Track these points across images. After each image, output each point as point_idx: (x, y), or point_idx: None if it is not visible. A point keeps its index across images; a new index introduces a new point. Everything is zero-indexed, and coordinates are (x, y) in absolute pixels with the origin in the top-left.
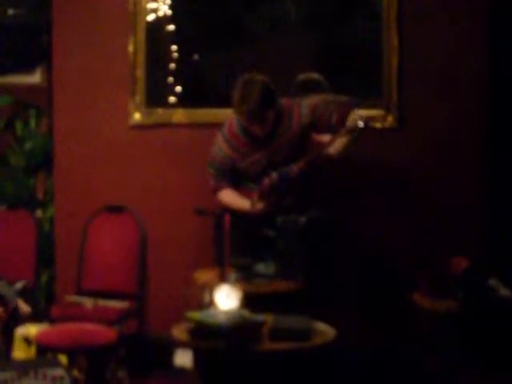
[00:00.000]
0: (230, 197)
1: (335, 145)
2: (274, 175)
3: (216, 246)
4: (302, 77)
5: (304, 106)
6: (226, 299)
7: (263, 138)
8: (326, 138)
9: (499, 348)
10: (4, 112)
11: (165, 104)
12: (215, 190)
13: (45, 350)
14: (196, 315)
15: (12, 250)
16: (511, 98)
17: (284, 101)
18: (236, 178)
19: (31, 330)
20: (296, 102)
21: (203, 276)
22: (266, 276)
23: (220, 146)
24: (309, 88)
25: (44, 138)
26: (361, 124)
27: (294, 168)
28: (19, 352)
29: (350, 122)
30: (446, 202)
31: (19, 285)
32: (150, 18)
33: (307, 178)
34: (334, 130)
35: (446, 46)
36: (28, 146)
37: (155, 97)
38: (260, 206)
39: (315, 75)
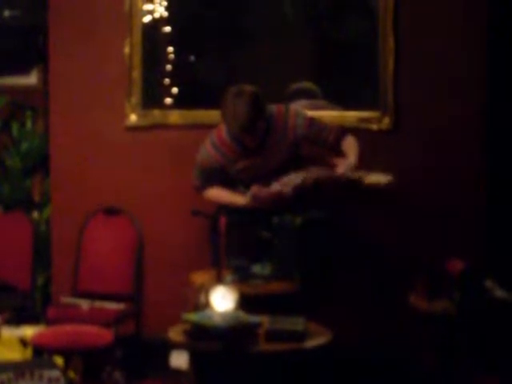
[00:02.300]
0: (218, 192)
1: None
2: (288, 190)
3: (212, 248)
4: (295, 86)
5: (300, 117)
6: (222, 300)
7: (254, 147)
8: (339, 163)
9: (495, 349)
10: (0, 113)
11: (161, 105)
12: (200, 189)
13: (41, 352)
14: (192, 316)
15: (8, 251)
16: (509, 100)
17: (275, 108)
18: (224, 180)
19: (27, 331)
20: (292, 111)
21: (199, 277)
22: (262, 277)
23: (208, 152)
24: (302, 97)
25: (40, 139)
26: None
27: (304, 181)
28: (15, 353)
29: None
30: (442, 204)
31: None
32: (146, 19)
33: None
34: (328, 147)
35: (443, 48)
36: (24, 147)
37: (151, 98)
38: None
39: (309, 84)
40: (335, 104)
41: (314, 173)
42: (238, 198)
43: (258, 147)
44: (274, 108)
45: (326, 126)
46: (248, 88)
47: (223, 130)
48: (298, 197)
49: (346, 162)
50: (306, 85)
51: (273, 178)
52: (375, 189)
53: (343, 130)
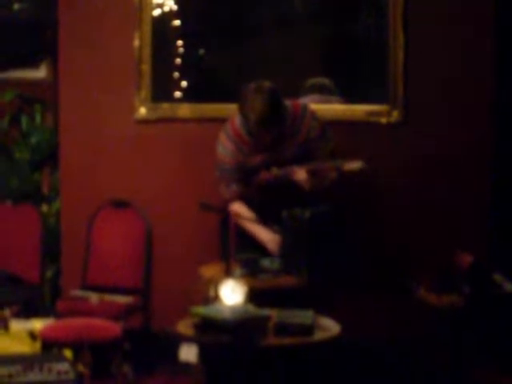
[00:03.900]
0: (239, 210)
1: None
2: (276, 171)
3: (221, 241)
4: (311, 81)
5: (316, 121)
6: (231, 294)
7: (269, 141)
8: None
9: (504, 343)
10: (10, 107)
11: (170, 99)
12: (228, 200)
13: (50, 345)
14: (201, 310)
15: (17, 244)
16: None
17: (292, 104)
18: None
19: (36, 324)
20: (309, 111)
21: (208, 271)
22: (271, 271)
23: (224, 145)
24: (316, 92)
25: (49, 132)
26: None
27: (297, 173)
28: (25, 346)
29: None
30: (450, 197)
31: None
32: (156, 12)
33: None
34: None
35: (452, 42)
36: (33, 140)
37: (161, 92)
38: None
39: (324, 80)
40: (347, 101)
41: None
42: (262, 233)
43: (272, 142)
44: (290, 104)
45: (329, 144)
46: (267, 84)
47: (236, 121)
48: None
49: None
50: (322, 80)
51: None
52: (353, 174)
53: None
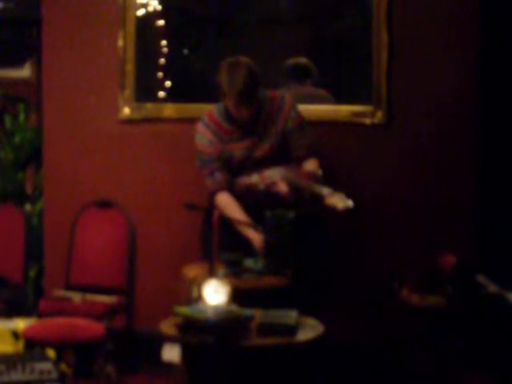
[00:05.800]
0: (226, 204)
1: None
2: (256, 179)
3: (205, 241)
4: (290, 62)
5: (294, 110)
6: (215, 294)
7: (246, 124)
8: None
9: (487, 344)
10: None
11: (154, 99)
12: (213, 191)
13: (33, 344)
14: (184, 310)
15: (0, 244)
16: (500, 94)
17: (270, 91)
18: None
19: (19, 324)
20: (289, 100)
21: (192, 271)
22: (255, 271)
23: (202, 134)
24: (297, 73)
25: (33, 132)
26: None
27: (278, 185)
28: (7, 346)
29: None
30: (434, 199)
31: None
32: (140, 12)
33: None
34: (293, 154)
35: (436, 42)
36: (17, 139)
37: (145, 91)
38: None
39: (304, 60)
40: (327, 90)
41: (288, 175)
42: (251, 234)
43: (250, 127)
44: (268, 91)
45: (307, 135)
46: (244, 59)
47: (214, 111)
48: (268, 195)
49: (315, 173)
50: (302, 61)
51: (260, 167)
52: (332, 210)
53: (315, 150)
